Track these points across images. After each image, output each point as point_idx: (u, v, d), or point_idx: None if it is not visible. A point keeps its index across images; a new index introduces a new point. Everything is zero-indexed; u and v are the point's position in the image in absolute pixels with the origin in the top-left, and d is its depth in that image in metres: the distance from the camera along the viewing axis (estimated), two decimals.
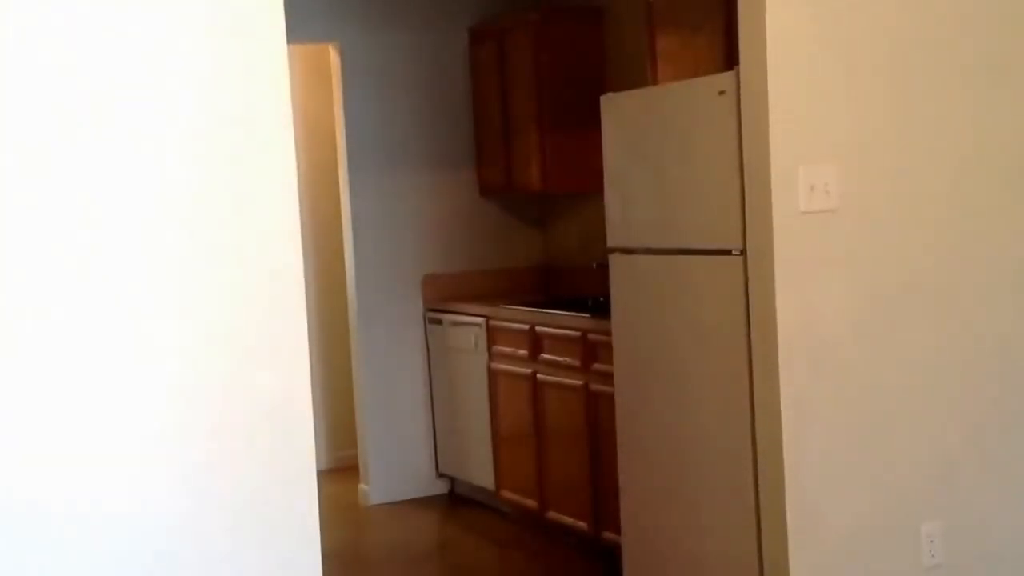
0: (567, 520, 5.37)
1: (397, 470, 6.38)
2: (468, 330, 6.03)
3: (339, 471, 6.87)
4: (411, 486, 6.40)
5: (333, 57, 6.29)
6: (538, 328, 5.51)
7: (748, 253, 3.83)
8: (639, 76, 5.07)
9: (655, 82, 4.80)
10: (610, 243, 4.56)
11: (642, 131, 4.38)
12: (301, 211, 3.17)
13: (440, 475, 6.45)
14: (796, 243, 3.71)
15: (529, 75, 5.96)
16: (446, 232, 6.44)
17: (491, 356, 5.89)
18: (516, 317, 5.68)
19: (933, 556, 3.90)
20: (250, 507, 3.14)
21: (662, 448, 4.34)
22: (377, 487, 6.35)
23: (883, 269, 3.82)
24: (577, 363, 5.22)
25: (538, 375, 5.52)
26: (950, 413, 3.92)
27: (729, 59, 4.36)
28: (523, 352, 5.62)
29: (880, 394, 3.82)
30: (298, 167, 3.17)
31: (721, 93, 3.94)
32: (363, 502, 6.39)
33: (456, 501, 6.36)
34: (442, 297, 6.37)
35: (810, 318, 3.74)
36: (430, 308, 6.37)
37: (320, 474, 6.87)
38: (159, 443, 2.96)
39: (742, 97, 3.80)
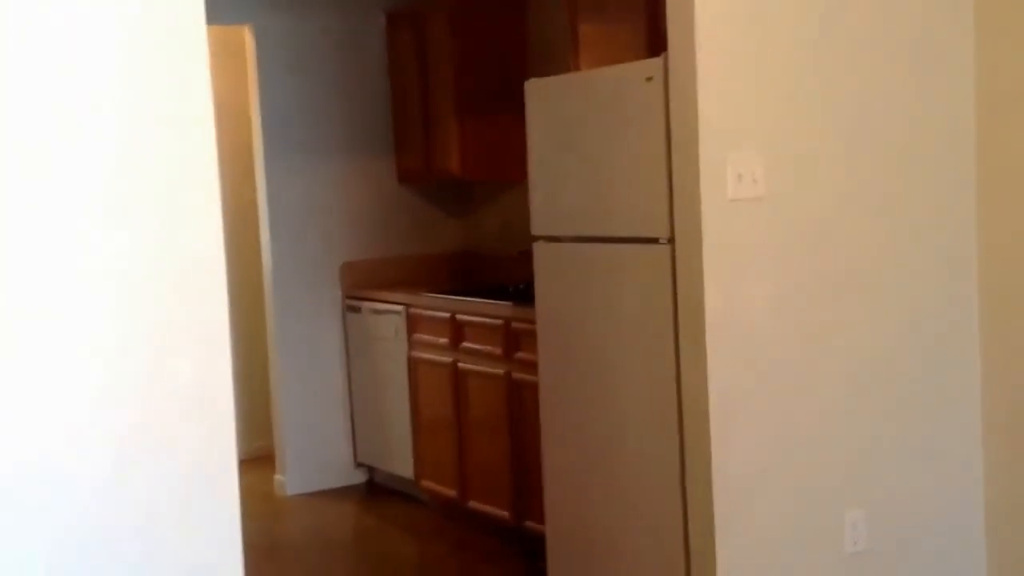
0: (488, 509, 5.33)
1: (314, 460, 6.30)
2: (388, 318, 5.95)
3: (254, 461, 6.75)
4: (328, 476, 6.32)
5: (248, 40, 6.17)
6: (459, 316, 5.45)
7: (676, 241, 3.81)
8: (561, 63, 5.03)
9: (577, 69, 4.76)
10: (534, 231, 4.52)
11: (568, 117, 4.34)
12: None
13: (359, 465, 6.37)
14: (724, 231, 3.70)
15: (448, 61, 5.90)
16: (364, 219, 6.35)
17: (411, 345, 5.82)
18: (437, 305, 5.62)
19: (856, 543, 3.92)
20: (169, 503, 3.05)
21: (587, 439, 4.31)
22: (293, 477, 6.26)
23: (810, 259, 3.81)
24: (499, 352, 5.17)
25: (459, 364, 5.46)
26: (872, 403, 3.93)
27: (652, 47, 4.35)
28: (444, 341, 5.56)
29: (805, 384, 3.82)
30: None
31: (649, 79, 3.91)
32: (279, 493, 6.29)
33: (375, 491, 6.29)
34: (361, 285, 6.28)
35: (738, 308, 3.73)
36: (348, 296, 6.29)
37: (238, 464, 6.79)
38: (73, 438, 2.86)
39: (670, 83, 3.77)
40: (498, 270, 6.08)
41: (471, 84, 5.86)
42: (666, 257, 3.87)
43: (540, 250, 4.50)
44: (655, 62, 3.89)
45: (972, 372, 4.07)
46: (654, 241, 3.92)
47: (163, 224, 3.01)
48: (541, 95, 4.47)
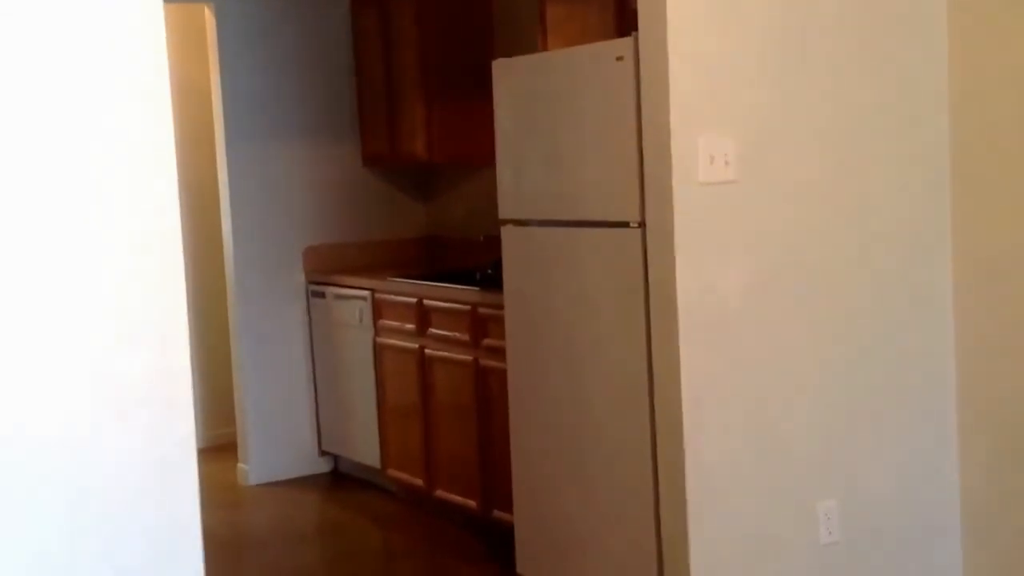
0: (456, 499, 5.24)
1: (277, 448, 6.18)
2: (353, 304, 5.84)
3: (216, 450, 6.65)
4: (293, 465, 6.21)
5: (208, 18, 6.03)
6: (426, 302, 5.35)
7: (647, 225, 3.72)
8: (528, 45, 4.92)
9: (545, 51, 4.66)
10: (502, 214, 4.43)
11: (536, 98, 4.24)
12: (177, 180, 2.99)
13: (323, 453, 6.26)
14: (695, 215, 3.61)
15: (412, 42, 5.78)
16: (328, 203, 6.24)
17: (377, 331, 5.71)
18: (403, 290, 5.52)
19: (830, 533, 3.85)
20: (125, 495, 2.94)
21: (557, 426, 4.23)
22: (256, 466, 6.14)
23: (781, 243, 3.74)
24: (466, 338, 5.07)
25: (426, 350, 5.36)
26: (845, 392, 3.86)
27: (620, 28, 4.26)
28: (410, 326, 5.46)
29: (777, 372, 3.75)
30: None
31: (619, 59, 3.82)
32: (242, 482, 6.17)
33: (340, 480, 6.18)
34: (325, 269, 6.17)
35: (710, 293, 3.64)
36: (312, 281, 6.17)
37: (199, 452, 6.67)
38: (23, 431, 2.75)
39: (641, 63, 3.68)
40: (465, 255, 5.97)
41: (436, 66, 5.75)
42: (637, 241, 3.79)
43: (508, 234, 4.41)
44: (626, 41, 3.80)
45: (947, 360, 4.00)
46: (624, 225, 3.84)
47: (116, 207, 2.90)
48: (509, 76, 4.37)
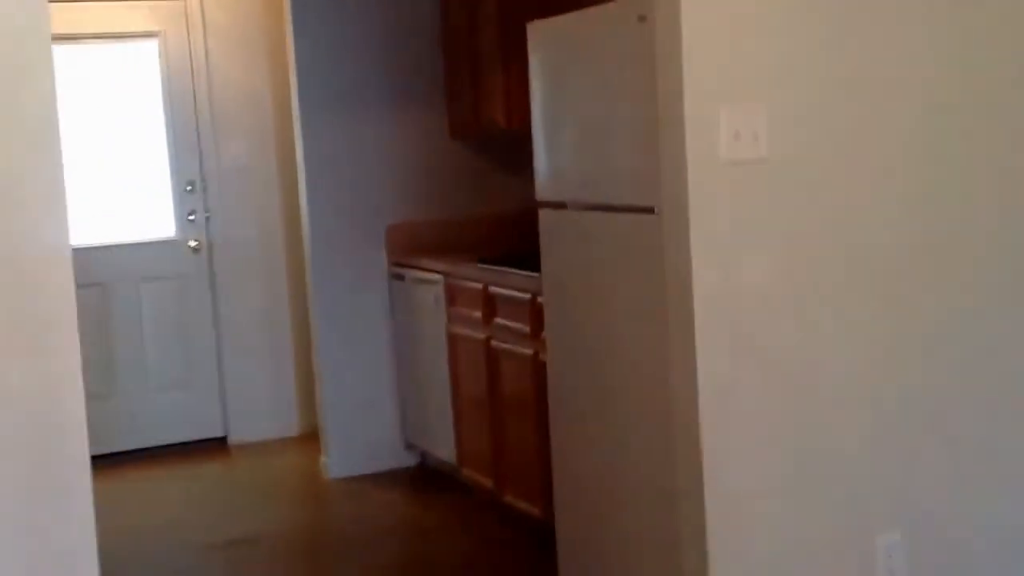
0: (521, 505, 4.78)
1: (360, 441, 5.82)
2: (428, 288, 5.44)
3: (306, 439, 6.38)
4: (376, 459, 5.83)
5: None
6: (491, 288, 4.89)
7: (663, 211, 3.18)
8: None
9: None
10: (539, 195, 3.94)
11: (564, 65, 3.74)
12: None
13: (409, 447, 5.88)
14: (717, 200, 3.07)
15: (496, 2, 5.28)
16: (412, 177, 5.81)
17: (450, 318, 5.29)
18: (470, 275, 5.07)
19: (892, 574, 3.25)
20: (8, 527, 2.62)
21: (590, 424, 3.75)
22: (338, 460, 5.80)
23: (822, 232, 3.16)
24: (527, 329, 4.60)
25: (492, 341, 4.91)
26: (908, 405, 3.26)
27: None
28: (477, 315, 5.01)
29: (819, 382, 3.18)
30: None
31: (641, 19, 3.28)
32: (323, 475, 5.85)
33: (426, 476, 5.78)
34: (407, 250, 5.76)
35: (734, 290, 3.10)
36: (394, 263, 5.78)
37: (289, 441, 6.41)
38: None
39: (655, 20, 3.13)
40: None
41: (518, 28, 5.25)
42: (660, 229, 3.24)
43: (544, 218, 3.92)
44: None
45: None
46: (648, 211, 3.30)
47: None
48: (542, 40, 3.87)
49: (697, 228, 3.04)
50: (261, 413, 6.59)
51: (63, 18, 6.17)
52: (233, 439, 6.57)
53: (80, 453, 2.65)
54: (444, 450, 5.45)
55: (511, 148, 5.91)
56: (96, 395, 6.33)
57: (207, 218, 6.49)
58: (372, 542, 5.00)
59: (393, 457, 5.86)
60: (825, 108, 3.13)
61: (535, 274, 4.55)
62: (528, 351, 4.59)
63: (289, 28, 5.65)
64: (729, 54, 3.04)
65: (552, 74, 3.81)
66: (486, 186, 5.91)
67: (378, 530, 5.13)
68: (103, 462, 6.24)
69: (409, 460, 5.89)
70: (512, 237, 5.81)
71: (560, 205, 3.83)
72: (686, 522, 3.17)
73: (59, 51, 6.15)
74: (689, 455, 3.13)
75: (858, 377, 3.21)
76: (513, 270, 4.76)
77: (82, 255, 6.28)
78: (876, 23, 3.16)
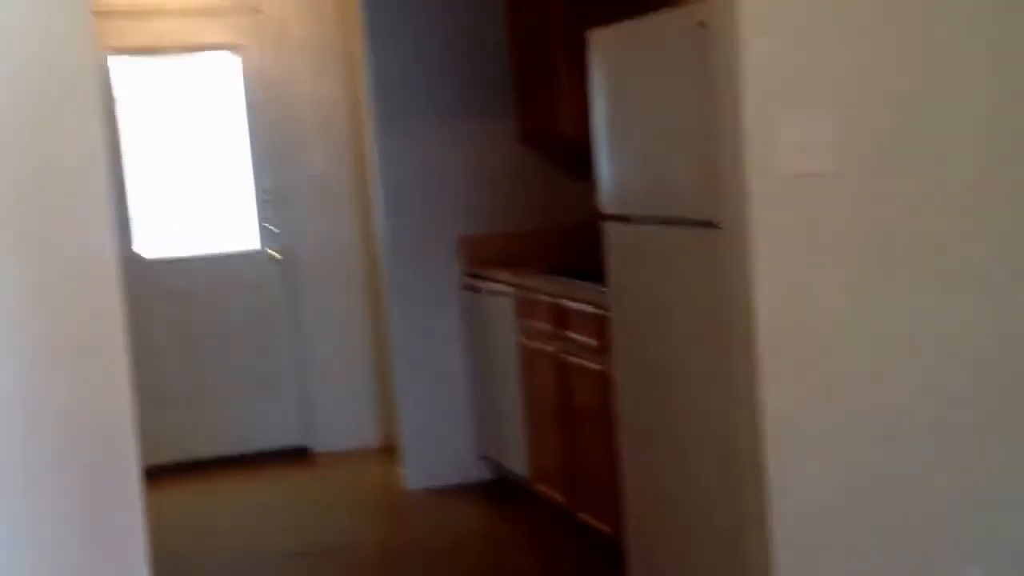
0: (593, 522, 4.67)
1: (437, 452, 5.75)
2: (500, 300, 5.34)
3: (387, 450, 6.33)
4: (453, 471, 5.75)
5: None
6: (561, 301, 4.78)
7: (722, 227, 3.05)
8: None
9: None
10: (603, 208, 3.83)
11: (624, 74, 3.63)
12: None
13: (484, 459, 5.80)
14: (779, 216, 2.93)
15: (563, 7, 5.17)
16: (485, 187, 5.71)
17: (521, 330, 5.19)
18: (540, 287, 4.96)
19: None
20: (59, 538, 2.61)
21: (656, 444, 3.64)
22: (414, 471, 5.74)
23: (895, 251, 2.98)
24: (595, 343, 4.48)
25: (562, 355, 4.80)
26: (989, 434, 3.07)
27: None
28: (547, 328, 4.91)
29: (894, 409, 3.01)
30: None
31: (701, 25, 3.15)
32: (400, 486, 5.79)
33: (501, 489, 5.68)
34: (481, 261, 5.67)
35: (800, 313, 2.95)
36: (467, 273, 5.70)
37: (370, 452, 6.36)
38: None
39: (714, 23, 3.00)
40: None
41: (588, 31, 5.13)
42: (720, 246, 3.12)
43: (609, 231, 3.81)
44: (710, 3, 3.12)
45: None
46: (710, 225, 3.17)
47: (46, 221, 2.57)
48: (603, 48, 3.76)
49: (758, 246, 2.91)
50: (342, 423, 6.57)
51: (147, 31, 6.24)
52: (315, 449, 6.56)
53: (129, 462, 2.61)
54: (518, 464, 5.36)
55: (582, 156, 5.77)
56: (181, 403, 6.41)
57: (287, 229, 6.49)
58: (444, 555, 4.92)
59: (469, 469, 5.78)
60: (899, 117, 2.97)
61: (604, 287, 4.45)
62: (597, 366, 4.47)
63: (363, 39, 5.60)
64: (792, 60, 2.90)
65: (613, 82, 3.70)
66: (558, 195, 5.79)
67: (451, 543, 5.05)
68: (186, 469, 6.34)
69: (485, 473, 5.80)
70: (584, 247, 5.64)
71: (623, 218, 3.72)
72: (752, 555, 3.04)
73: (143, 64, 6.29)
74: (753, 488, 2.99)
75: (936, 408, 3.03)
76: (582, 283, 4.64)
77: (168, 266, 6.42)
78: (952, 30, 2.98)
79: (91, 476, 2.61)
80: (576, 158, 5.73)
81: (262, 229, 6.49)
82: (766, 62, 2.88)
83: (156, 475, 6.24)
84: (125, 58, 6.27)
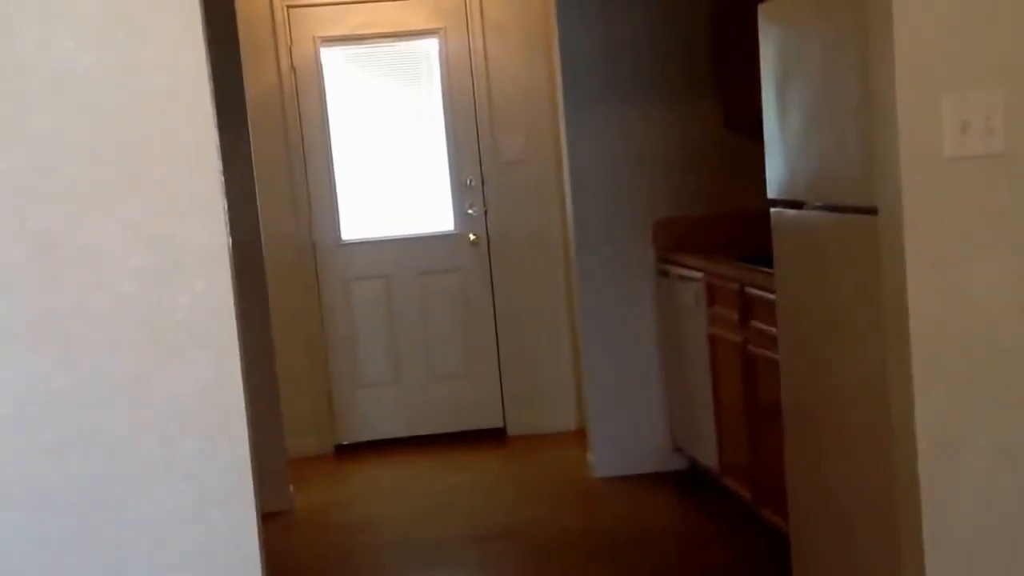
0: (775, 519, 4.45)
1: (627, 441, 5.62)
2: (688, 285, 5.16)
3: (579, 434, 6.24)
4: (644, 460, 5.61)
5: None
6: (747, 289, 4.57)
7: (879, 214, 2.82)
8: None
9: None
10: (770, 193, 3.62)
11: (791, 50, 3.40)
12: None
13: (677, 450, 5.63)
14: (940, 202, 2.69)
15: None
16: (684, 170, 5.52)
17: (709, 318, 5.00)
18: (728, 274, 4.76)
19: None
20: (172, 531, 2.63)
21: (818, 440, 3.43)
22: (603, 458, 5.63)
23: None
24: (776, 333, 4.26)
25: (748, 345, 4.59)
26: None
27: None
28: (735, 316, 4.71)
29: None
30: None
31: None
32: (589, 474, 5.69)
33: (693, 481, 5.49)
34: (676, 245, 5.50)
35: (962, 308, 2.70)
36: (660, 259, 5.54)
37: (566, 435, 6.29)
38: (51, 454, 2.51)
39: None
40: None
41: None
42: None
43: (776, 218, 3.60)
44: None
45: None
46: (871, 211, 2.94)
47: (155, 210, 2.59)
48: (772, 23, 3.54)
49: (914, 236, 2.67)
50: (539, 406, 6.53)
51: (355, 21, 6.32)
52: (511, 431, 6.53)
53: (242, 456, 2.60)
54: (708, 456, 5.18)
55: None
56: (380, 383, 6.50)
57: (485, 212, 6.47)
58: (626, 545, 4.80)
59: (661, 459, 5.63)
60: None
61: None
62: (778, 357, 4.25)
63: (555, 20, 5.50)
64: (956, 33, 2.65)
65: (780, 59, 3.49)
66: (762, 179, 5.54)
67: (634, 534, 4.91)
68: (384, 447, 6.43)
69: (677, 464, 5.63)
70: None
71: (788, 204, 3.51)
72: (906, 569, 2.81)
73: (350, 52, 6.38)
74: (908, 500, 2.76)
75: None
76: (768, 270, 4.42)
77: (368, 248, 6.50)
78: None
79: (202, 465, 2.61)
80: None
81: (461, 212, 6.49)
82: (924, 36, 2.64)
83: (353, 452, 6.40)
84: (335, 48, 6.37)
